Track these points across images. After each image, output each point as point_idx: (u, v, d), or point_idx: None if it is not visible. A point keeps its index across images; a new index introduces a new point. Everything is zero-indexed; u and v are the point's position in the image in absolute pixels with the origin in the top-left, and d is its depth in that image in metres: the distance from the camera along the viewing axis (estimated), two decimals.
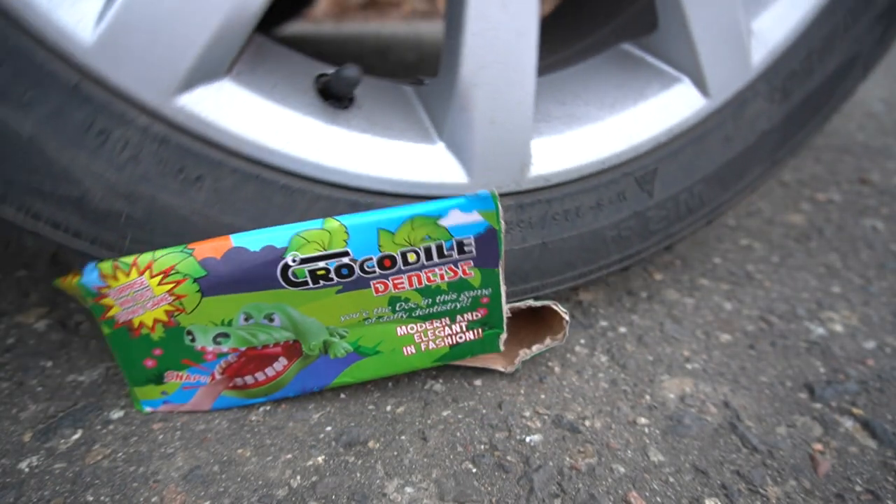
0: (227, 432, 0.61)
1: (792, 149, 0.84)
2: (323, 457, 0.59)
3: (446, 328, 0.65)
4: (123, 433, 0.61)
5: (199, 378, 0.61)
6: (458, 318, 0.65)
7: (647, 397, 0.69)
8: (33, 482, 0.55)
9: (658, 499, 0.56)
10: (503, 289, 0.64)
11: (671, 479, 0.58)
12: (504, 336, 0.67)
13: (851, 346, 0.80)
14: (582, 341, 0.78)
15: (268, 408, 0.65)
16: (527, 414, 0.66)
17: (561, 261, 0.72)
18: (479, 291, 0.63)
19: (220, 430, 0.61)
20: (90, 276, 0.54)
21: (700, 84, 0.73)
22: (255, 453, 0.59)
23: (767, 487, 0.58)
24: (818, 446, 0.63)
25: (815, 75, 0.80)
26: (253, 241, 0.55)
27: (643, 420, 0.66)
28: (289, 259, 0.56)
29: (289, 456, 0.59)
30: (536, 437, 0.62)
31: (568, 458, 0.60)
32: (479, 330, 0.66)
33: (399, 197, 0.63)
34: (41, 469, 0.56)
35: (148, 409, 0.62)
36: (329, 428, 0.62)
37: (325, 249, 0.56)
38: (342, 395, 0.67)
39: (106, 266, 0.54)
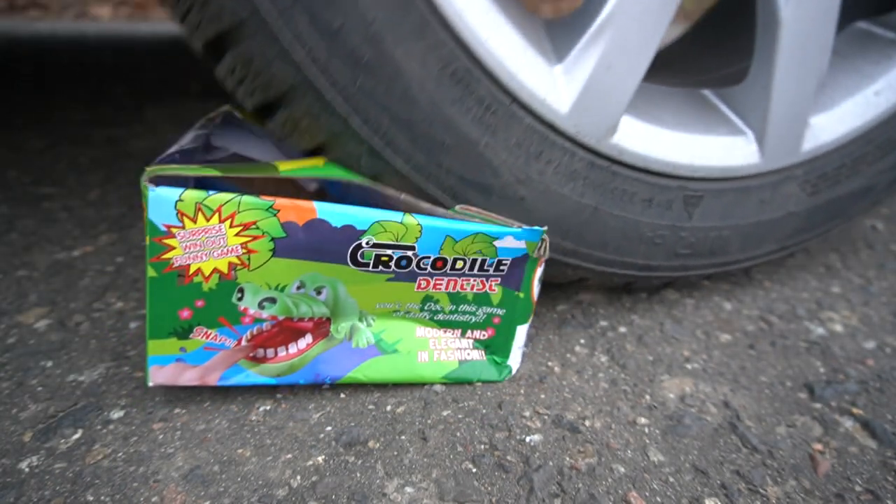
0: (227, 432, 0.61)
1: (798, 243, 0.91)
2: (323, 457, 0.59)
3: (456, 340, 0.69)
4: (123, 433, 0.61)
5: (224, 340, 0.61)
6: (468, 333, 0.69)
7: (647, 397, 0.69)
8: (33, 482, 0.55)
9: (658, 499, 0.56)
10: (528, 325, 0.70)
11: (671, 479, 0.59)
12: (512, 369, 0.71)
13: (851, 346, 0.80)
14: (582, 341, 0.78)
15: (268, 407, 0.65)
16: (527, 414, 0.66)
17: (599, 235, 0.74)
18: (495, 310, 0.67)
19: (220, 429, 0.61)
20: (164, 212, 0.54)
21: (760, 144, 0.79)
22: (255, 453, 0.59)
23: (767, 487, 0.58)
24: (818, 446, 0.63)
25: (839, 187, 0.88)
26: (336, 216, 0.57)
27: (643, 420, 0.66)
28: (363, 241, 0.59)
29: (289, 456, 0.59)
30: (536, 437, 0.62)
31: (568, 458, 0.60)
32: (483, 351, 0.70)
33: (507, 93, 0.64)
34: (41, 469, 0.56)
35: (153, 367, 0.61)
36: (329, 428, 0.62)
37: (397, 241, 0.59)
38: (342, 395, 0.67)
39: (188, 205, 0.54)
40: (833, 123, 0.85)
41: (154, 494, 0.54)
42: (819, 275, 0.99)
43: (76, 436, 0.60)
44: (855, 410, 0.68)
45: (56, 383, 0.67)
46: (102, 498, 0.53)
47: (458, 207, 0.63)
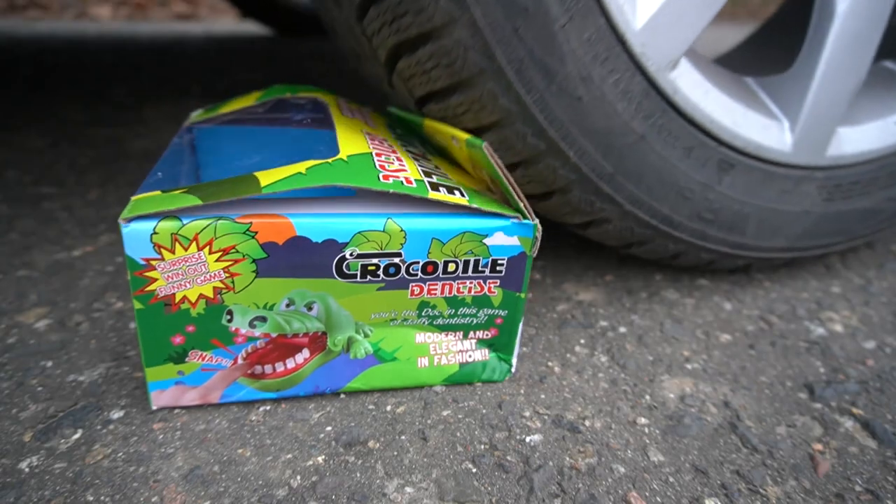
0: (228, 432, 0.61)
1: (804, 249, 0.94)
2: (323, 457, 0.59)
3: (458, 343, 0.68)
4: (123, 433, 0.61)
5: (220, 361, 0.61)
6: (471, 334, 0.68)
7: (647, 397, 0.69)
8: (33, 482, 0.55)
9: (658, 499, 0.56)
10: (520, 328, 0.70)
11: (671, 479, 0.59)
12: (512, 367, 0.71)
13: (851, 345, 0.80)
14: (582, 341, 0.78)
15: (268, 408, 0.65)
16: (527, 414, 0.66)
17: (637, 166, 0.76)
18: (496, 311, 0.67)
19: (220, 429, 0.61)
20: (140, 246, 0.54)
21: (792, 133, 0.83)
22: (256, 453, 0.59)
23: (767, 487, 0.58)
24: (818, 446, 0.63)
25: (850, 202, 0.91)
26: (316, 232, 0.57)
27: (643, 420, 0.66)
28: (347, 253, 0.58)
29: (289, 456, 0.59)
30: (536, 437, 0.63)
31: (568, 458, 0.60)
32: (486, 351, 0.69)
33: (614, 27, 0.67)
34: (41, 469, 0.56)
35: (154, 392, 0.62)
36: (329, 428, 0.62)
37: (382, 249, 0.59)
38: (342, 396, 0.67)
39: (163, 237, 0.54)
40: (856, 138, 0.89)
41: (154, 494, 0.54)
42: (819, 275, 0.99)
43: (76, 436, 0.60)
44: (855, 410, 0.68)
45: (56, 383, 0.67)
46: (102, 498, 0.53)
47: (484, 146, 0.61)
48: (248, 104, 0.82)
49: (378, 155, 0.65)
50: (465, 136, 0.64)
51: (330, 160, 0.61)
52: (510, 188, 0.61)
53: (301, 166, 0.59)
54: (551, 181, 0.75)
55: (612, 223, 0.80)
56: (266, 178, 0.57)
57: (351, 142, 0.67)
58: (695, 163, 0.77)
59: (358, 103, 0.87)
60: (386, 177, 0.60)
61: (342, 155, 0.63)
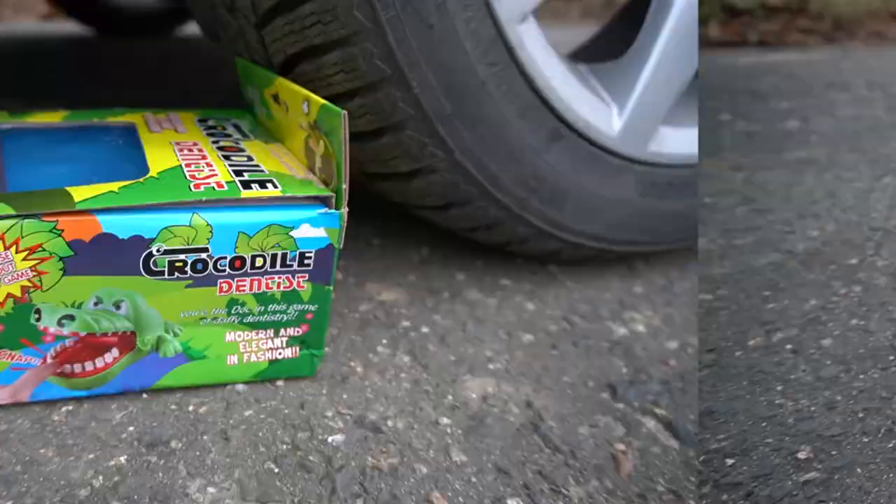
0: (30, 432, 0.63)
1: (612, 242, 0.98)
2: (125, 457, 0.61)
3: (269, 341, 0.70)
4: None
5: (30, 360, 0.63)
6: (282, 331, 0.70)
7: (450, 397, 0.73)
8: None
9: (460, 499, 0.60)
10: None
11: (473, 479, 0.62)
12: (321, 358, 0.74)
13: (654, 346, 0.86)
14: (384, 341, 0.82)
15: (70, 408, 0.67)
16: (329, 414, 0.69)
17: (474, 115, 0.78)
18: (306, 307, 0.69)
19: (22, 430, 0.63)
20: None
21: (619, 119, 0.88)
22: (58, 453, 0.61)
23: (570, 487, 0.62)
24: (620, 446, 0.68)
25: (663, 202, 0.98)
26: (123, 228, 0.58)
27: (445, 420, 0.70)
28: (154, 249, 0.60)
29: (91, 456, 0.61)
30: (339, 438, 0.66)
31: (370, 459, 0.64)
32: (297, 348, 0.72)
33: None
34: None
35: None
36: (131, 428, 0.65)
37: (189, 244, 0.61)
38: (144, 396, 0.69)
39: None
40: (676, 140, 0.96)
41: None
42: (622, 275, 1.05)
43: None
44: (657, 411, 0.74)
45: None
46: None
47: (343, 114, 0.60)
48: (54, 121, 0.81)
49: (188, 165, 0.67)
50: (320, 101, 0.64)
51: (141, 179, 0.63)
52: (343, 166, 0.63)
53: (113, 185, 0.62)
54: (388, 114, 0.76)
55: (438, 174, 0.83)
56: (79, 193, 0.59)
57: (160, 158, 0.69)
58: (528, 125, 0.82)
59: (165, 111, 0.88)
60: (197, 185, 0.63)
61: (152, 172, 0.65)
